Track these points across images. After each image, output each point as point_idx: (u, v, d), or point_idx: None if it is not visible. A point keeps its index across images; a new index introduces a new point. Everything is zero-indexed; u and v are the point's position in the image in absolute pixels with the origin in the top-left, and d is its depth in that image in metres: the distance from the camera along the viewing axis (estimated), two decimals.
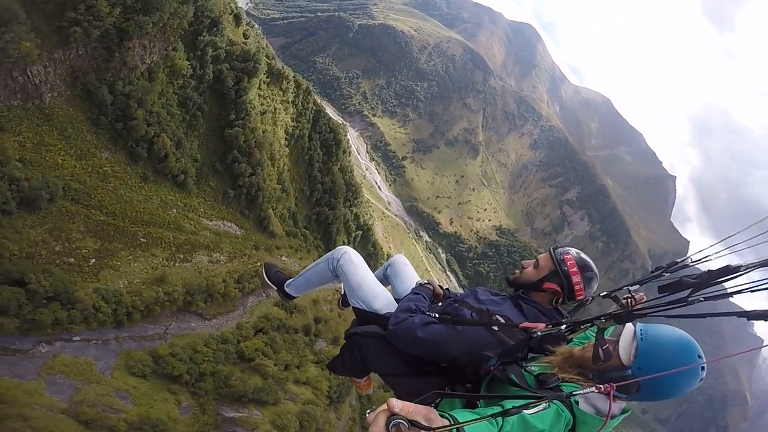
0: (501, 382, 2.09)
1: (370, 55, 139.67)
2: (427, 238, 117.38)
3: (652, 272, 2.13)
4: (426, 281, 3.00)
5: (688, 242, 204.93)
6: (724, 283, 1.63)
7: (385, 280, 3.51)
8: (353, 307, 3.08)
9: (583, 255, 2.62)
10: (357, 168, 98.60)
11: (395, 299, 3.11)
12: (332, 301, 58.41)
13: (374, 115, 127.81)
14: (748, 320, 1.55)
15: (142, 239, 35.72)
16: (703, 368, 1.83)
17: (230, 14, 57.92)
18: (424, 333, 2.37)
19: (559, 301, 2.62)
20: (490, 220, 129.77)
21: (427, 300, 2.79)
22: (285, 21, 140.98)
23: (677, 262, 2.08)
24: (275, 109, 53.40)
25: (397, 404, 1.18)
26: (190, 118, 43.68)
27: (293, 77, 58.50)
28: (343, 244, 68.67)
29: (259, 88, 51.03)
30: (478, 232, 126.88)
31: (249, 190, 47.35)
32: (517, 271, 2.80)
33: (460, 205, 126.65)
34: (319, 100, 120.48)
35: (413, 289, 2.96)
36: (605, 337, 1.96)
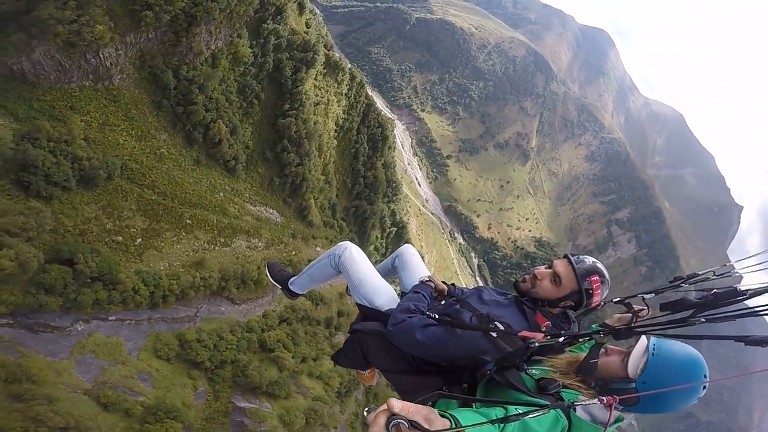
0: (499, 385, 2.09)
1: (425, 50, 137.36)
2: (461, 240, 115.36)
3: (670, 282, 2.07)
4: (427, 278, 2.97)
5: (742, 277, 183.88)
6: (728, 305, 1.59)
7: (393, 270, 3.52)
8: (356, 303, 3.10)
9: (599, 265, 2.48)
10: (399, 162, 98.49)
11: (402, 291, 3.16)
12: None
13: (423, 111, 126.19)
14: (745, 345, 1.51)
15: (188, 220, 37.41)
16: (704, 387, 1.80)
17: (294, 2, 59.10)
18: (422, 335, 2.38)
19: (569, 309, 2.56)
20: (530, 231, 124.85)
21: (428, 299, 2.76)
22: (345, 9, 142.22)
23: (698, 274, 2.02)
24: (328, 100, 54.36)
25: (397, 404, 1.18)
26: (247, 105, 45.37)
27: (349, 69, 59.07)
28: (377, 239, 69.71)
29: (315, 78, 52.10)
30: (515, 241, 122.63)
31: (294, 180, 48.87)
32: (527, 278, 2.61)
33: (501, 212, 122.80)
34: (369, 92, 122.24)
35: (414, 287, 2.95)
36: (611, 346, 1.97)
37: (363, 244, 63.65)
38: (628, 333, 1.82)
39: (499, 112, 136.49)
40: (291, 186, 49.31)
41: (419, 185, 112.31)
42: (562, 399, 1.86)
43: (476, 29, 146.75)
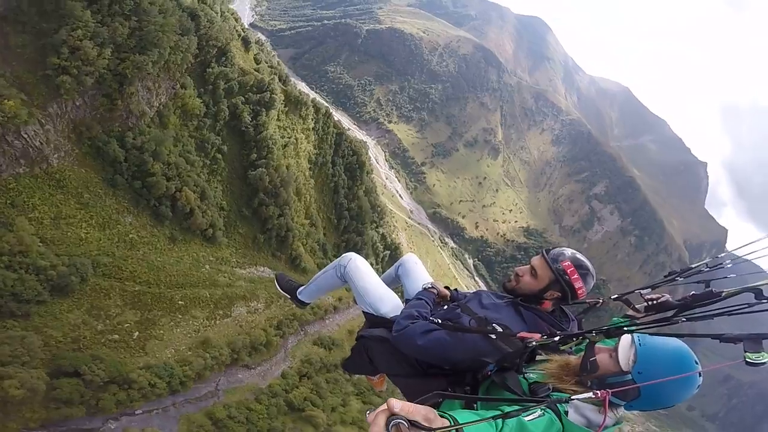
0: (498, 386, 2.16)
1: (380, 61, 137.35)
2: (452, 244, 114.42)
3: (665, 276, 2.15)
4: (430, 285, 3.05)
5: (726, 230, 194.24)
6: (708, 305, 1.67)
7: (397, 279, 3.56)
8: (362, 311, 3.16)
9: (578, 255, 2.56)
10: (377, 178, 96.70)
11: (406, 299, 3.22)
12: None
13: (390, 122, 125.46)
14: (720, 342, 1.57)
15: (180, 302, 35.13)
16: (700, 374, 1.81)
17: (237, 38, 55.62)
18: (425, 340, 2.44)
19: (561, 302, 2.59)
20: (516, 222, 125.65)
21: (430, 305, 2.85)
22: (293, 31, 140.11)
23: (691, 268, 2.08)
24: (296, 139, 51.92)
25: (397, 404, 1.18)
26: (211, 162, 42.22)
27: (312, 102, 56.76)
28: (372, 266, 67.69)
29: (278, 119, 49.43)
30: (504, 234, 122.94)
31: (278, 232, 46.28)
32: (512, 277, 2.73)
33: (485, 208, 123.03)
34: (334, 112, 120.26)
35: (417, 293, 3.02)
36: (599, 345, 1.98)
37: None
38: (618, 332, 1.84)
39: (461, 111, 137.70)
40: (277, 239, 46.75)
41: (401, 198, 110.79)
42: (552, 399, 1.84)
43: (424, 33, 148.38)
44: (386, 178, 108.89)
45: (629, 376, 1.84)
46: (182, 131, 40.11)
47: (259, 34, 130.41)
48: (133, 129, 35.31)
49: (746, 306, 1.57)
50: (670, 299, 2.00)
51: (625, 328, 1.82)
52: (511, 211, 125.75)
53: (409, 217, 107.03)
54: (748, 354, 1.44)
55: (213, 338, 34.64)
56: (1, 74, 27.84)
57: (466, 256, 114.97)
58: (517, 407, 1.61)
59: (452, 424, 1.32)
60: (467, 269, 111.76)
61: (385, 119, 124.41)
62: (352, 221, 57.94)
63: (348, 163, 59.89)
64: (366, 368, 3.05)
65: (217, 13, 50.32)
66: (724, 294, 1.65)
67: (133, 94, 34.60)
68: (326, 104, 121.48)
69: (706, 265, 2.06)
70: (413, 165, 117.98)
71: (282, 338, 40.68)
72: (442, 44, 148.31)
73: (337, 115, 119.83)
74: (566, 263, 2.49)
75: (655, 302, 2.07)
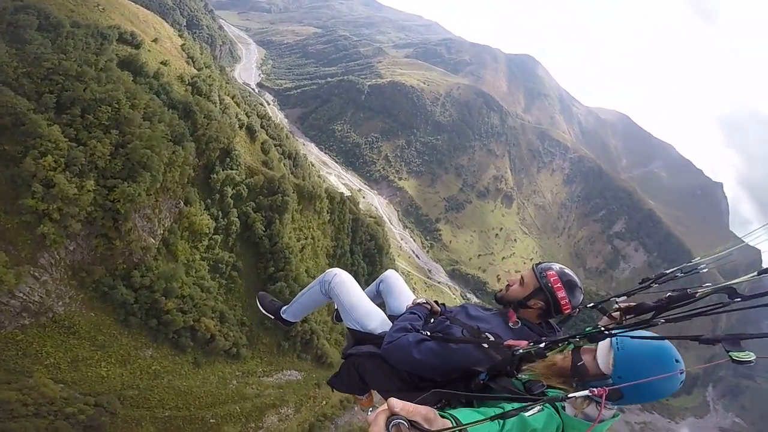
0: (494, 392, 2.19)
1: (385, 116, 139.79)
2: (475, 299, 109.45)
3: (639, 283, 2.17)
4: (424, 300, 3.06)
5: (759, 250, 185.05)
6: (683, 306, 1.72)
7: (378, 296, 3.53)
8: (348, 328, 3.13)
9: (566, 270, 2.69)
10: (392, 240, 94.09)
11: (388, 316, 3.20)
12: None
13: (400, 178, 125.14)
14: (699, 344, 1.62)
15: (211, 420, 34.03)
16: (682, 372, 1.86)
17: (241, 129, 52.98)
18: (418, 351, 2.46)
19: (546, 315, 2.65)
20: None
21: (422, 319, 2.83)
22: (298, 90, 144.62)
23: (665, 274, 2.12)
24: (314, 237, 49.86)
25: (398, 404, 1.19)
26: (228, 282, 40.11)
27: (326, 193, 55.16)
28: None
29: (292, 220, 47.36)
30: None
31: (303, 337, 43.79)
32: (503, 287, 2.85)
33: (505, 260, 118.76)
34: (344, 173, 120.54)
35: (410, 308, 3.00)
36: (584, 346, 2.03)
37: None
38: (600, 336, 1.84)
39: (470, 161, 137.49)
40: (301, 342, 44.23)
41: (418, 258, 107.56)
42: (549, 396, 1.91)
43: (425, 84, 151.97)
44: (401, 239, 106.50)
45: (610, 380, 1.89)
46: (193, 255, 38.30)
47: (266, 100, 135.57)
48: (139, 266, 32.94)
49: (720, 306, 1.59)
50: (646, 302, 1.96)
51: (606, 332, 1.79)
52: (532, 259, 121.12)
53: (428, 277, 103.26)
54: (733, 353, 1.44)
55: None
56: None
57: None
58: (517, 405, 1.64)
59: (453, 424, 1.30)
60: None
61: (395, 176, 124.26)
62: None
63: (366, 248, 57.69)
64: (355, 387, 3.02)
65: (215, 103, 48.87)
66: (698, 294, 1.68)
67: (131, 230, 31.72)
68: (337, 164, 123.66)
69: (681, 270, 2.06)
70: (427, 222, 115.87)
71: None
72: (443, 93, 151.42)
73: (348, 176, 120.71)
74: (551, 273, 2.63)
75: (629, 307, 2.03)
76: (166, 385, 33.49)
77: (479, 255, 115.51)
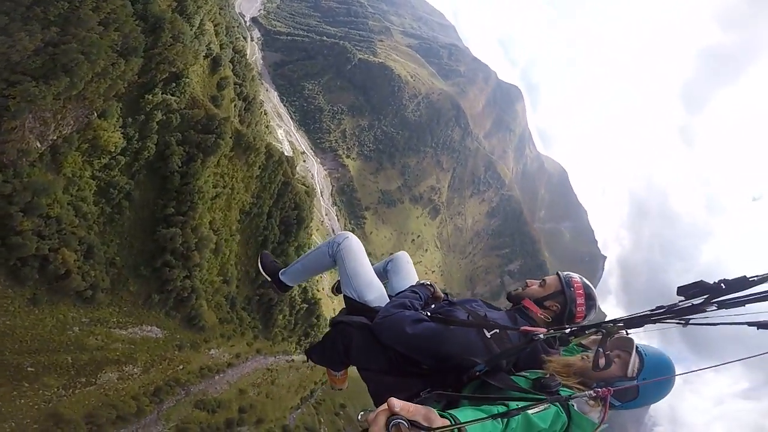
0: (491, 387, 2.08)
1: (360, 93, 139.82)
2: None
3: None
4: (428, 282, 3.03)
5: (605, 315, 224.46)
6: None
7: (384, 274, 3.54)
8: (344, 296, 3.05)
9: (588, 282, 2.72)
10: (317, 212, 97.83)
11: (389, 295, 3.08)
12: (261, 384, 56.60)
13: (348, 156, 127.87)
14: (758, 329, 1.55)
15: (29, 369, 30.24)
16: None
17: (205, 59, 49.75)
18: (413, 328, 2.35)
19: (557, 320, 2.64)
20: (436, 283, 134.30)
21: (423, 300, 2.80)
22: (288, 37, 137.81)
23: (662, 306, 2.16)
24: (233, 188, 48.17)
25: (398, 404, 1.20)
26: (112, 210, 35.29)
27: (265, 149, 55.25)
28: (284, 318, 68.00)
29: (217, 165, 44.74)
30: None
31: (180, 293, 41.33)
32: (519, 286, 2.88)
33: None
34: (294, 132, 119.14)
35: (412, 286, 2.97)
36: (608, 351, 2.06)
37: (267, 328, 61.28)
38: (642, 322, 1.83)
39: (418, 165, 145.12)
40: (176, 299, 41.88)
41: None
42: (560, 395, 1.89)
43: (412, 77, 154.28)
44: (326, 214, 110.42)
45: (634, 382, 2.01)
46: (83, 170, 32.66)
47: (251, 34, 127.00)
48: (6, 169, 26.63)
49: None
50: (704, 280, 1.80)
51: (652, 318, 1.73)
52: (433, 272, 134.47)
53: None
54: None
55: (66, 410, 30.50)
56: None
57: None
58: (522, 404, 1.63)
59: (452, 423, 1.30)
60: None
61: (344, 152, 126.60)
62: None
63: (285, 216, 60.10)
64: (335, 359, 2.94)
65: (192, 27, 44.77)
66: (758, 278, 1.52)
67: (15, 129, 26.28)
68: (291, 121, 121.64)
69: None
70: (357, 207, 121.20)
71: (158, 406, 37.78)
72: (423, 93, 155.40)
73: (297, 136, 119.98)
74: (576, 281, 2.66)
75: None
76: None
77: (390, 253, 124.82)
